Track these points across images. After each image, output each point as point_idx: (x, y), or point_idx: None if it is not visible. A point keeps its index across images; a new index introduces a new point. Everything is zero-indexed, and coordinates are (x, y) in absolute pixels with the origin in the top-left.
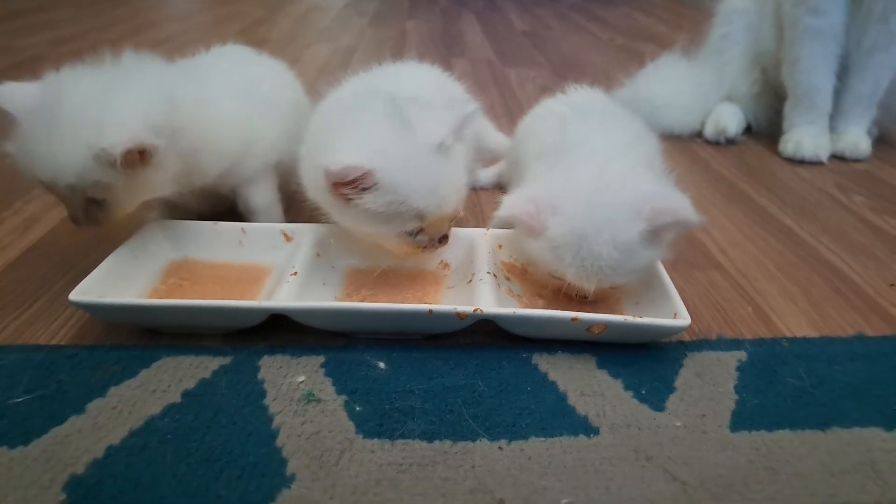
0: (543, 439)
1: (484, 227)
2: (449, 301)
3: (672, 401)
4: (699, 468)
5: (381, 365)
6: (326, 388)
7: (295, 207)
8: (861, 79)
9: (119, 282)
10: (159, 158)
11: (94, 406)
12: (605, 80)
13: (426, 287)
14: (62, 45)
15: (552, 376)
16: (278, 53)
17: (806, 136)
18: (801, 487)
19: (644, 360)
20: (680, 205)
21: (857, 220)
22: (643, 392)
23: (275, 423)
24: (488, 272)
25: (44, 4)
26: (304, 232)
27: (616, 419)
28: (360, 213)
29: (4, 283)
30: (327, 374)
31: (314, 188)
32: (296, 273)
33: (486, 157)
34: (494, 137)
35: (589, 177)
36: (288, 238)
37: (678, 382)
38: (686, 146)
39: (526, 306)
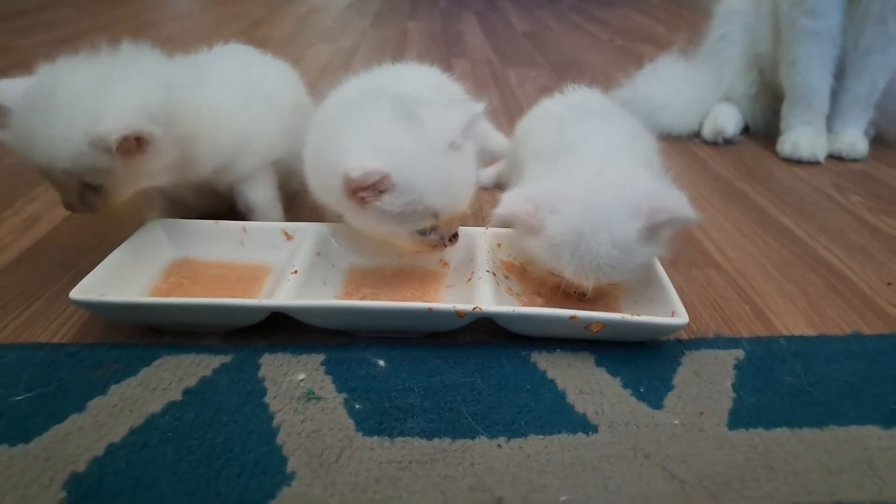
0: (542, 437)
1: (483, 225)
2: (448, 299)
3: (670, 399)
4: (697, 466)
5: (381, 363)
6: (327, 386)
7: (296, 206)
8: (858, 80)
9: (120, 280)
10: (156, 146)
11: (94, 404)
12: (605, 80)
13: (426, 285)
14: (62, 44)
15: (551, 374)
16: (280, 53)
17: (803, 137)
18: (798, 485)
19: (642, 358)
20: (677, 202)
21: (854, 219)
22: (641, 390)
23: (275, 421)
24: (487, 271)
25: (44, 4)
26: (305, 231)
27: (614, 417)
28: (375, 215)
29: (5, 281)
30: (327, 373)
31: (325, 190)
32: (296, 272)
33: (486, 157)
34: (494, 138)
35: (587, 176)
36: (288, 237)
37: (676, 380)
38: (684, 146)
39: (525, 305)
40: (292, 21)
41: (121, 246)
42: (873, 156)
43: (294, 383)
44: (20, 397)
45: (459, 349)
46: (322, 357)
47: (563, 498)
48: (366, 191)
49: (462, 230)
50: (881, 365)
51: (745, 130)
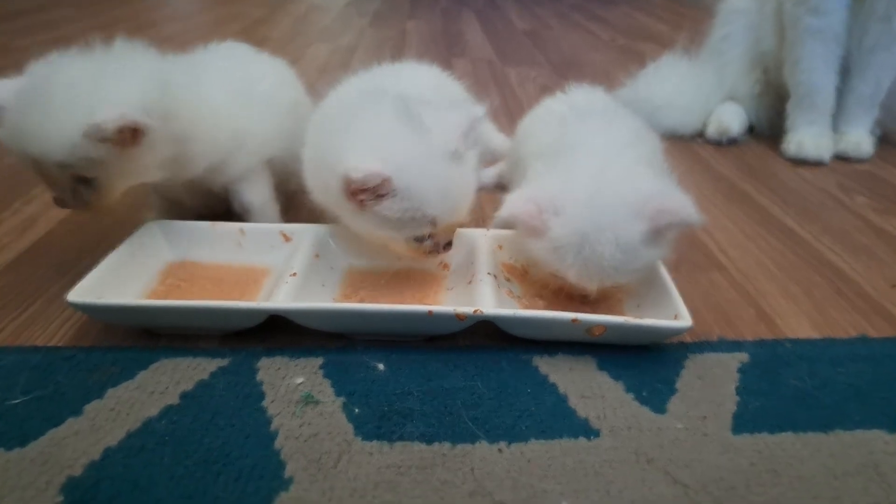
0: (543, 441)
1: (484, 227)
2: (449, 302)
3: (673, 403)
4: (701, 471)
5: (380, 366)
6: (325, 390)
7: (294, 207)
8: (863, 79)
9: (117, 283)
10: (150, 139)
11: (91, 408)
12: (606, 79)
13: (426, 288)
14: (62, 44)
15: (552, 378)
16: (279, 52)
17: (808, 137)
18: (803, 490)
19: (645, 361)
20: (682, 204)
21: (859, 220)
22: (644, 394)
23: (273, 425)
24: (488, 273)
25: (44, 4)
26: (303, 232)
27: (617, 421)
28: (373, 219)
29: (2, 283)
30: (326, 376)
31: (324, 191)
32: (294, 274)
33: (487, 157)
34: (495, 138)
35: (590, 176)
36: (287, 238)
37: (679, 384)
38: (687, 146)
39: (526, 307)
40: (291, 20)
41: (118, 248)
42: (879, 156)
43: (292, 387)
44: (17, 401)
45: (459, 352)
46: (320, 360)
47: (564, 503)
48: (365, 193)
49: (463, 232)
50: (887, 368)
51: (749, 130)
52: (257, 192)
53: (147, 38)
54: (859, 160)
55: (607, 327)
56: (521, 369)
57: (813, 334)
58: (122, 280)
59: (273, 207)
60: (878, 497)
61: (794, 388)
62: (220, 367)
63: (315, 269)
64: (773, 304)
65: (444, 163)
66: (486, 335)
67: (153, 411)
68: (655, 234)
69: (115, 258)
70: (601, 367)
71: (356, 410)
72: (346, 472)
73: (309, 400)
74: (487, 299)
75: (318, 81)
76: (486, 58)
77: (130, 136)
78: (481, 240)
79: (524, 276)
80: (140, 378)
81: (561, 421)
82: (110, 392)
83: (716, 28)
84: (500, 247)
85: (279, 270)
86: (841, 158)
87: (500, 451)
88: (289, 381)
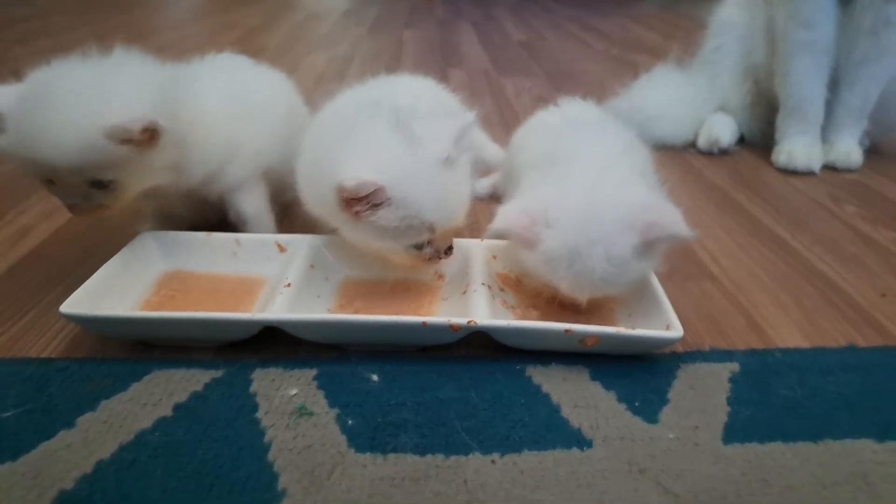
0: (536, 452)
1: (479, 237)
2: (443, 313)
3: (665, 413)
4: (692, 481)
5: (374, 377)
6: (319, 401)
7: (289, 218)
8: (852, 91)
9: (111, 294)
10: (164, 140)
11: (84, 420)
12: (600, 90)
13: (420, 298)
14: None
15: (546, 388)
16: (276, 62)
17: (798, 147)
18: (793, 500)
19: (637, 371)
20: (673, 219)
21: (849, 230)
22: (636, 404)
23: (266, 437)
24: (483, 283)
25: (41, 12)
26: (298, 243)
27: (609, 431)
28: (370, 229)
29: None
30: (320, 387)
31: (319, 202)
32: (289, 285)
33: (481, 167)
34: (489, 148)
35: (583, 189)
36: (282, 249)
37: (671, 394)
38: (679, 156)
39: (520, 318)
40: (288, 29)
41: (112, 258)
42: (868, 166)
43: (286, 398)
44: (8, 413)
45: (453, 363)
46: (314, 371)
47: None
48: (360, 203)
49: (457, 242)
50: (876, 377)
51: (741, 141)
52: (253, 203)
53: (144, 46)
54: (849, 170)
55: (600, 338)
56: (514, 380)
57: (803, 344)
58: (116, 291)
59: (269, 218)
60: None
61: (784, 397)
62: (213, 379)
63: (310, 280)
64: (764, 314)
65: (438, 169)
66: (480, 346)
67: (146, 423)
68: (646, 248)
69: (110, 269)
70: (594, 377)
71: (350, 422)
72: (340, 484)
73: (303, 411)
74: (482, 310)
75: (315, 91)
76: (481, 68)
77: (149, 137)
78: (476, 250)
79: (518, 286)
80: (133, 390)
81: (554, 431)
82: (103, 404)
83: (708, 40)
84: (495, 257)
85: (274, 281)
86: (831, 168)
87: (493, 462)
88: (283, 393)
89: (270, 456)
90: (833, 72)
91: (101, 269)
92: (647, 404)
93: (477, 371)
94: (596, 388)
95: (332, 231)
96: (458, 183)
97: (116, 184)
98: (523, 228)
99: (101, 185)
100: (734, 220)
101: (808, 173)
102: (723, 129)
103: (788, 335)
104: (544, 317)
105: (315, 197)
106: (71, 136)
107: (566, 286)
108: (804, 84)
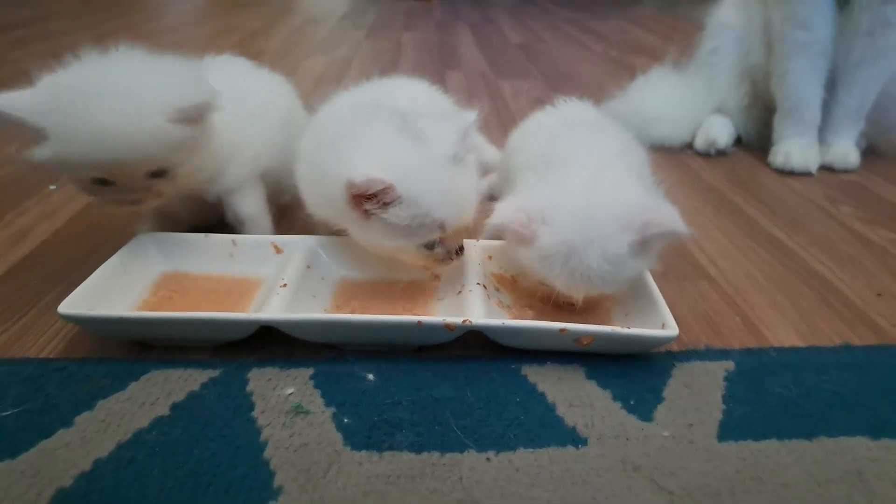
0: (531, 450)
1: (474, 238)
2: (439, 312)
3: (660, 411)
4: (686, 478)
5: (370, 377)
6: (315, 401)
7: (286, 219)
8: (849, 92)
9: (109, 294)
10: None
11: (82, 419)
12: (598, 91)
13: (416, 298)
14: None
15: (541, 387)
16: (275, 65)
17: (795, 148)
18: (787, 497)
19: (633, 370)
20: (669, 216)
21: (845, 230)
22: (631, 402)
23: (263, 436)
24: (478, 283)
25: (39, 16)
26: (295, 244)
27: (604, 430)
28: (381, 228)
29: None
30: (316, 386)
31: (325, 205)
32: (286, 285)
33: (479, 169)
34: (486, 150)
35: (579, 188)
36: (278, 250)
37: (666, 393)
38: (677, 158)
39: (515, 317)
40: (288, 33)
41: (110, 259)
42: (865, 167)
43: (282, 398)
44: (7, 413)
45: (449, 362)
46: (311, 371)
47: None
48: (370, 201)
49: None
50: (871, 376)
51: (738, 142)
52: (251, 204)
53: (145, 48)
54: (846, 171)
55: (595, 337)
56: (510, 379)
57: (799, 343)
58: (114, 291)
59: (266, 219)
60: (861, 503)
61: (779, 395)
62: (210, 378)
63: (306, 281)
64: (760, 314)
65: (446, 166)
66: (476, 345)
67: (144, 423)
68: (642, 246)
69: (108, 269)
70: (589, 375)
71: (346, 420)
72: (336, 481)
73: (299, 410)
74: (477, 310)
75: (314, 93)
76: (479, 70)
77: (198, 118)
78: (471, 250)
79: (514, 286)
80: (131, 389)
81: (549, 430)
82: (101, 403)
83: (705, 41)
84: (490, 257)
85: (271, 282)
86: (828, 169)
87: (488, 459)
88: (279, 392)
89: (267, 454)
90: (830, 73)
91: (99, 270)
92: (643, 403)
93: (472, 370)
94: (591, 387)
95: (329, 232)
96: (466, 180)
97: (174, 169)
98: (520, 225)
99: (158, 173)
100: (731, 221)
101: (805, 174)
102: (720, 131)
103: (784, 335)
104: (540, 316)
105: (320, 199)
106: (138, 126)
107: (561, 284)
108: (801, 85)
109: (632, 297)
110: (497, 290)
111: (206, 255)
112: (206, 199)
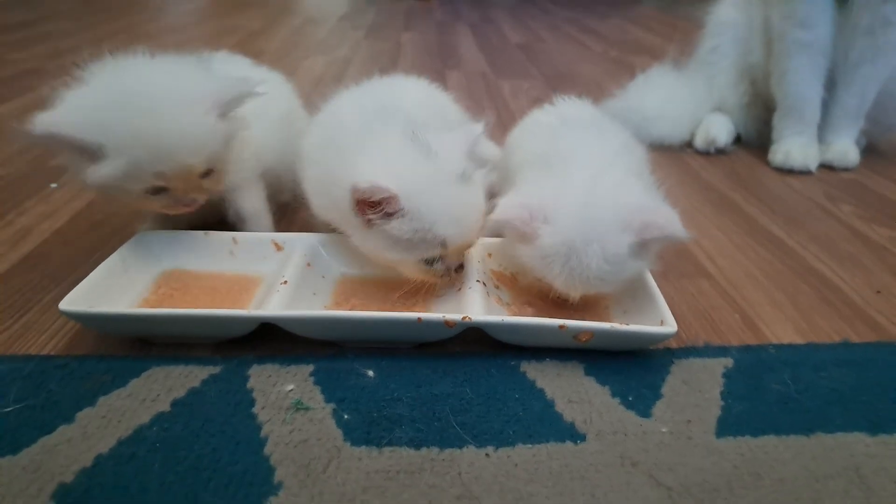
0: (530, 446)
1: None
2: (438, 309)
3: (658, 407)
4: (684, 474)
5: (370, 373)
6: (315, 397)
7: (287, 217)
8: (848, 91)
9: (110, 292)
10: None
11: (83, 415)
12: (598, 91)
13: (415, 296)
14: (59, 57)
15: (540, 384)
16: (275, 65)
17: (795, 147)
18: (785, 493)
19: (632, 367)
20: (668, 219)
21: (844, 228)
22: (630, 399)
23: (263, 432)
24: (478, 280)
25: (40, 17)
26: (295, 241)
27: (603, 426)
28: (382, 239)
29: None
30: (316, 383)
31: (330, 207)
32: (286, 282)
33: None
34: (486, 147)
35: (580, 188)
36: (279, 248)
37: (665, 389)
38: (676, 156)
39: (515, 314)
40: (287, 33)
41: (111, 257)
42: (864, 165)
43: (282, 394)
44: (9, 409)
45: (449, 359)
46: (311, 368)
47: None
48: (374, 209)
49: None
50: (869, 372)
51: (737, 140)
52: (253, 201)
53: (145, 49)
54: (845, 169)
55: (594, 333)
56: (509, 375)
57: (797, 340)
58: (115, 289)
59: (267, 216)
60: (858, 499)
61: (777, 392)
62: (211, 375)
63: (306, 278)
64: (759, 311)
65: (453, 184)
66: (475, 342)
67: (144, 419)
68: (642, 247)
69: (109, 267)
70: (588, 372)
71: (346, 416)
72: (335, 477)
73: (299, 406)
74: (477, 307)
75: (313, 94)
76: (479, 70)
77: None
78: (471, 248)
79: (513, 283)
80: (132, 386)
81: (548, 426)
82: (102, 400)
83: (705, 40)
84: (490, 255)
85: (271, 279)
86: (827, 168)
87: (487, 455)
88: (279, 388)
89: (267, 450)
90: (830, 72)
91: (100, 267)
92: (641, 399)
93: (472, 367)
94: (590, 384)
95: (329, 230)
96: (472, 199)
97: (221, 166)
98: (522, 222)
99: (207, 173)
100: (731, 219)
101: (805, 173)
102: (719, 129)
103: (783, 332)
104: (539, 313)
105: (326, 201)
106: (196, 126)
107: (560, 283)
108: (801, 84)
109: (631, 294)
110: (496, 287)
111: (206, 252)
112: (209, 198)
